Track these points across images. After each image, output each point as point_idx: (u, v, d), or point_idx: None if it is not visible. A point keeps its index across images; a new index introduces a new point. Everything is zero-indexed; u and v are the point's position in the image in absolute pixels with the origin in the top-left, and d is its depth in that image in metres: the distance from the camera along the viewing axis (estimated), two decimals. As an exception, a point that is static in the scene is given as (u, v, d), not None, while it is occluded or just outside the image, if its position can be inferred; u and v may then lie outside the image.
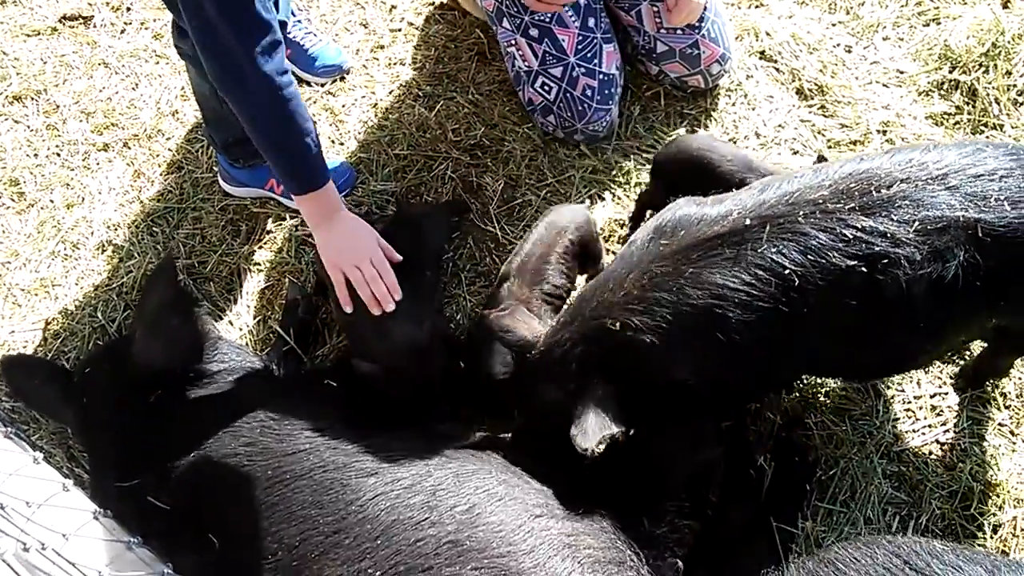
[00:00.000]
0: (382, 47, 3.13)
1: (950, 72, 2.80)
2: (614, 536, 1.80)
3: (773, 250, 1.68)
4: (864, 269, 1.64)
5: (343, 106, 2.97)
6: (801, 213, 1.69)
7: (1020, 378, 2.26)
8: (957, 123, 2.72)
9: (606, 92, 2.69)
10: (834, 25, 2.99)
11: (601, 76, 2.68)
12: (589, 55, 2.66)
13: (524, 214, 2.67)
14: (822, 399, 2.28)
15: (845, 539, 2.08)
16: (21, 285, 2.68)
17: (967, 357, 2.29)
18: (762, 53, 2.93)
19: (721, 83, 2.86)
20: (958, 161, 1.68)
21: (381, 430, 1.97)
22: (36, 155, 2.97)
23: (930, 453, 2.20)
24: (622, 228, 2.61)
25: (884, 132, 2.72)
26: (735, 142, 2.75)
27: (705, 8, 2.65)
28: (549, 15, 2.64)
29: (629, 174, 2.70)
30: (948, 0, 2.97)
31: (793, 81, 2.86)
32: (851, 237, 1.65)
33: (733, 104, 2.85)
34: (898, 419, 2.24)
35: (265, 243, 2.71)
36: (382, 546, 1.67)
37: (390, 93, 2.99)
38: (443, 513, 1.71)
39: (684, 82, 2.82)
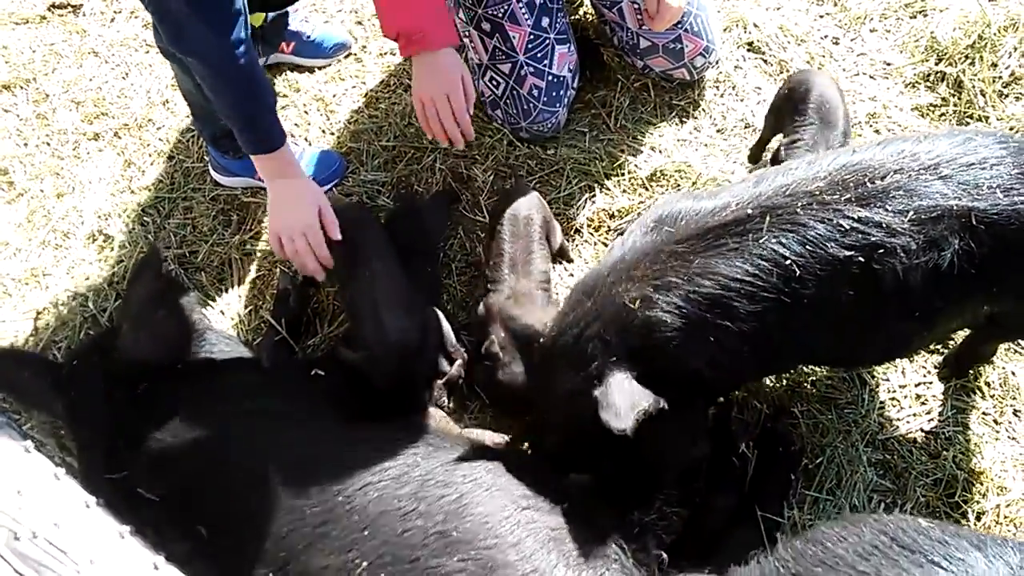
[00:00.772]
0: (373, 37, 3.13)
1: (936, 64, 2.81)
2: (599, 528, 1.81)
3: (774, 240, 1.69)
4: (861, 259, 1.67)
5: (334, 96, 2.98)
6: (799, 204, 1.71)
7: (1003, 367, 2.28)
8: (943, 115, 2.74)
9: (554, 94, 2.69)
10: (822, 17, 3.01)
11: (550, 77, 2.68)
12: (539, 55, 2.66)
13: (514, 205, 2.67)
14: (808, 388, 2.30)
15: (830, 526, 2.10)
16: (11, 275, 2.68)
17: (950, 346, 2.32)
18: (750, 44, 2.94)
19: (709, 75, 2.87)
20: (950, 151, 1.71)
21: (369, 421, 1.97)
22: (26, 144, 2.96)
23: (915, 441, 2.22)
24: (611, 219, 2.63)
25: (871, 123, 2.74)
26: (723, 133, 2.76)
27: (688, 1, 2.65)
28: (503, 10, 2.63)
29: (620, 166, 2.71)
30: (935, -8, 2.99)
31: (781, 72, 2.88)
32: (848, 227, 1.67)
33: (721, 95, 2.86)
34: (883, 408, 2.27)
35: (256, 233, 2.71)
36: (369, 537, 1.67)
37: (380, 83, 2.99)
38: (431, 504, 1.71)
39: (670, 75, 2.83)
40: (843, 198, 1.69)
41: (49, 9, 3.31)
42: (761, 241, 1.70)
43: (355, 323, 2.27)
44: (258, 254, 2.67)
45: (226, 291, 2.61)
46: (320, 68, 3.06)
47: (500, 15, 2.64)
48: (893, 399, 2.28)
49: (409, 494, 1.74)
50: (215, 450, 1.88)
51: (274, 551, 1.71)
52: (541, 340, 1.96)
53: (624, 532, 1.84)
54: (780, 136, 2.44)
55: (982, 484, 2.14)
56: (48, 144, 2.96)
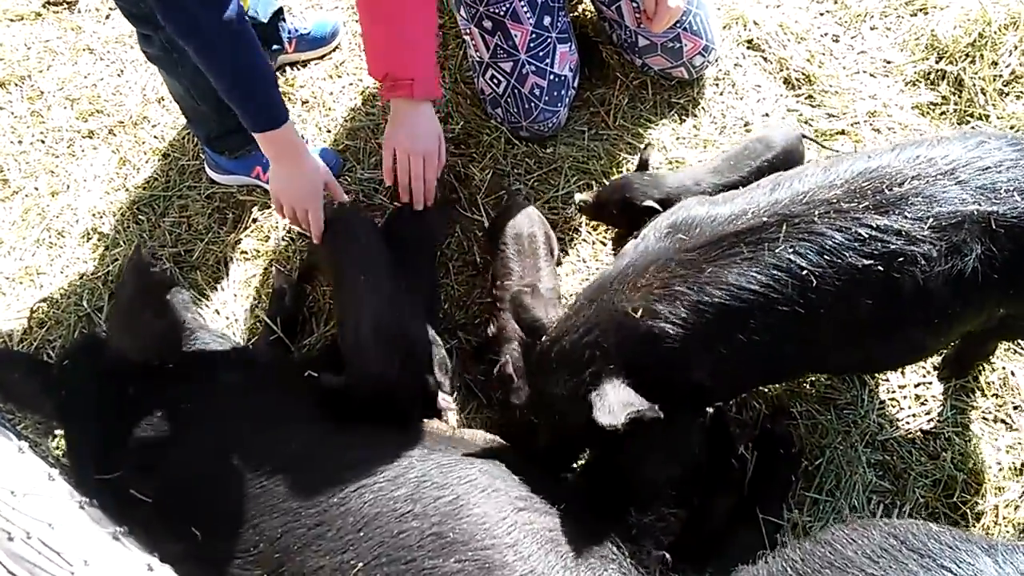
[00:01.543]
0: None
1: (937, 62, 2.80)
2: (597, 529, 1.80)
3: (790, 250, 1.68)
4: (880, 268, 1.65)
5: (331, 93, 2.96)
6: (816, 213, 1.69)
7: (1003, 367, 2.28)
8: (943, 113, 2.73)
9: (555, 93, 2.68)
10: (822, 15, 3.00)
11: (552, 77, 2.67)
12: (541, 54, 2.65)
13: (512, 203, 2.66)
14: (807, 388, 2.29)
15: (830, 529, 2.09)
16: (5, 273, 2.66)
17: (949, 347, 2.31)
18: (750, 42, 2.93)
19: (708, 72, 2.86)
20: (964, 155, 1.70)
21: (364, 422, 1.96)
22: (20, 142, 2.95)
23: (914, 442, 2.22)
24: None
25: (870, 122, 2.73)
26: (722, 131, 2.75)
27: (688, 0, 2.64)
28: (505, 8, 2.62)
29: (619, 165, 2.70)
30: (935, -10, 2.98)
31: (781, 70, 2.87)
32: (867, 236, 1.65)
33: (721, 93, 2.85)
34: (882, 408, 2.26)
35: (252, 231, 2.69)
36: (365, 538, 1.67)
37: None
38: (427, 505, 1.71)
39: (668, 74, 2.82)
40: (861, 206, 1.67)
41: (44, 6, 3.29)
42: (777, 251, 1.68)
43: (340, 335, 2.24)
44: (254, 253, 2.65)
45: (221, 290, 2.59)
46: (314, 64, 3.04)
47: (502, 13, 2.62)
48: (892, 400, 2.28)
49: (405, 496, 1.73)
50: (208, 451, 1.87)
51: (268, 552, 1.71)
52: (543, 340, 1.95)
53: (622, 533, 1.83)
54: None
55: (981, 485, 2.14)
56: (43, 142, 2.95)
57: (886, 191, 1.67)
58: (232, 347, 2.28)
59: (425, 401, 2.15)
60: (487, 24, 2.65)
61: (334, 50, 3.07)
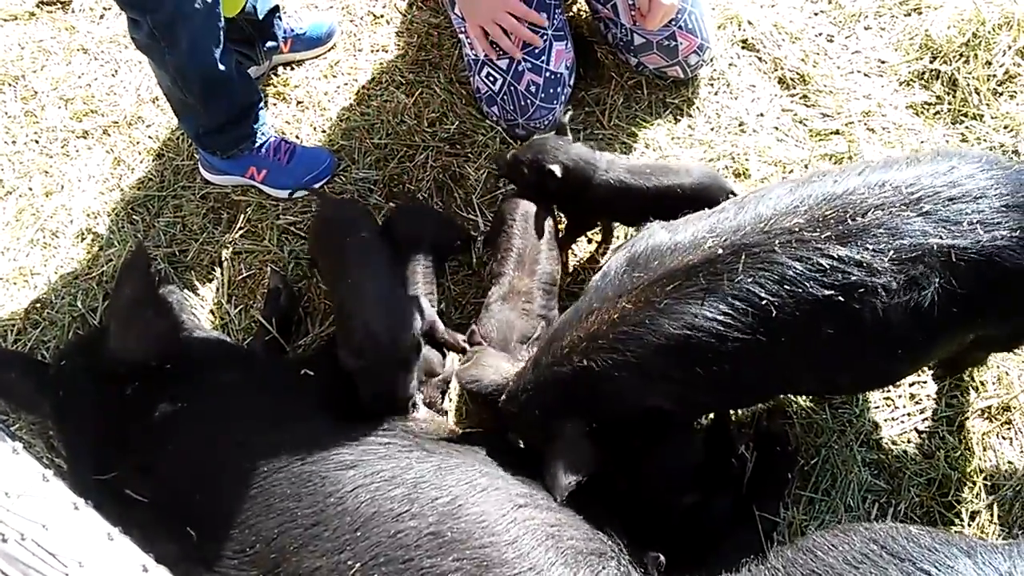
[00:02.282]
0: (365, 34, 3.11)
1: (931, 62, 2.81)
2: (596, 526, 1.80)
3: (749, 280, 1.66)
4: (841, 298, 1.63)
5: (325, 93, 2.96)
6: (777, 242, 1.67)
7: (997, 367, 2.28)
8: (937, 113, 2.73)
9: (551, 91, 2.68)
10: (816, 14, 3.00)
11: (548, 74, 2.67)
12: (537, 51, 2.65)
13: (507, 203, 2.66)
14: (803, 388, 2.30)
15: (826, 527, 2.10)
16: (0, 274, 2.66)
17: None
18: (744, 42, 2.93)
19: (703, 72, 2.87)
20: (931, 183, 1.67)
21: (360, 422, 1.96)
22: (14, 142, 2.94)
23: (909, 441, 2.22)
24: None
25: (865, 122, 2.73)
26: (717, 131, 2.76)
27: None
28: None
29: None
30: (929, -10, 2.98)
31: (775, 70, 2.87)
32: (828, 267, 1.63)
33: (715, 93, 2.85)
34: (877, 408, 2.26)
35: (247, 232, 2.69)
36: (362, 538, 1.66)
37: (372, 80, 2.98)
38: (424, 505, 1.71)
39: (663, 72, 2.82)
40: (823, 235, 1.65)
41: (38, 6, 3.28)
42: (736, 281, 1.66)
43: (345, 329, 2.25)
44: (248, 253, 2.65)
45: (216, 290, 2.59)
46: (309, 64, 3.04)
47: None
48: (887, 399, 2.28)
49: (402, 495, 1.73)
50: (204, 451, 1.86)
51: (265, 552, 1.70)
52: (499, 401, 1.97)
53: (621, 530, 1.84)
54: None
55: (975, 484, 2.14)
56: (37, 142, 2.94)
57: (848, 221, 1.65)
58: (227, 347, 2.28)
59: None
60: None
61: (329, 50, 3.07)
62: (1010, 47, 2.75)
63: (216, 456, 1.84)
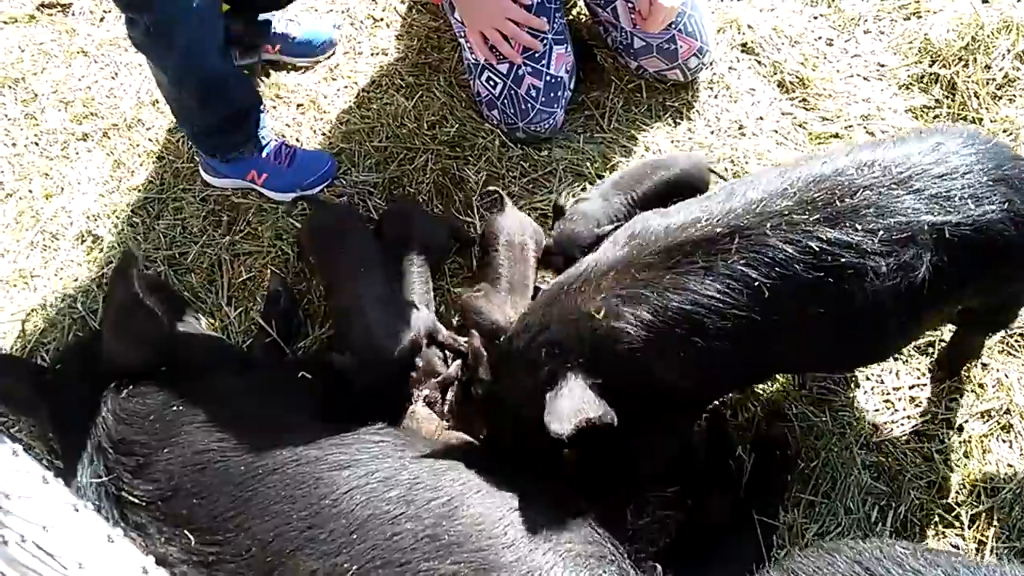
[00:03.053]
0: (365, 37, 3.12)
1: (930, 66, 2.82)
2: (595, 529, 1.80)
3: (742, 262, 1.67)
4: (831, 280, 1.64)
5: (325, 96, 2.96)
6: (768, 225, 1.67)
7: (997, 369, 2.28)
8: (936, 116, 2.74)
9: (552, 94, 2.68)
10: (816, 18, 3.01)
11: (548, 78, 2.67)
12: (537, 55, 2.65)
13: (507, 206, 2.66)
14: (802, 391, 2.29)
15: (826, 531, 2.10)
16: (-1, 276, 2.66)
17: (940, 349, 2.32)
18: (744, 46, 2.94)
19: (703, 76, 2.87)
20: (920, 161, 1.69)
21: (356, 424, 1.95)
22: (14, 144, 2.94)
23: (908, 444, 2.22)
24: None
25: (864, 125, 2.74)
26: (716, 134, 2.76)
27: (683, 2, 2.65)
28: None
29: (614, 167, 2.70)
30: (929, -6, 2.99)
31: (775, 74, 2.88)
32: (817, 250, 1.64)
33: (715, 96, 2.85)
34: (877, 410, 2.27)
35: (247, 234, 2.69)
36: (358, 540, 1.65)
37: (372, 84, 2.98)
38: (420, 507, 1.70)
39: (663, 76, 2.82)
40: (812, 218, 1.66)
41: (38, 8, 3.28)
42: (730, 262, 1.68)
43: (342, 330, 2.26)
44: (249, 256, 2.65)
45: (216, 293, 2.59)
46: (309, 67, 3.04)
47: None
48: (887, 401, 2.28)
49: (398, 497, 1.73)
50: (201, 454, 1.86)
51: (261, 555, 1.69)
52: (501, 339, 1.96)
53: (620, 533, 1.84)
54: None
55: (975, 486, 2.14)
56: (37, 144, 2.94)
57: (837, 202, 1.66)
58: (224, 349, 2.28)
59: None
60: None
61: (328, 58, 3.07)
62: (1009, 51, 2.76)
63: (212, 458, 1.84)
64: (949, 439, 2.21)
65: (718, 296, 1.67)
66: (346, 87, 2.99)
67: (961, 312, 1.95)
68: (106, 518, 1.82)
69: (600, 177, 2.68)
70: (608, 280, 1.78)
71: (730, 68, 2.90)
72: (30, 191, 2.83)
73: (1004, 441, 2.21)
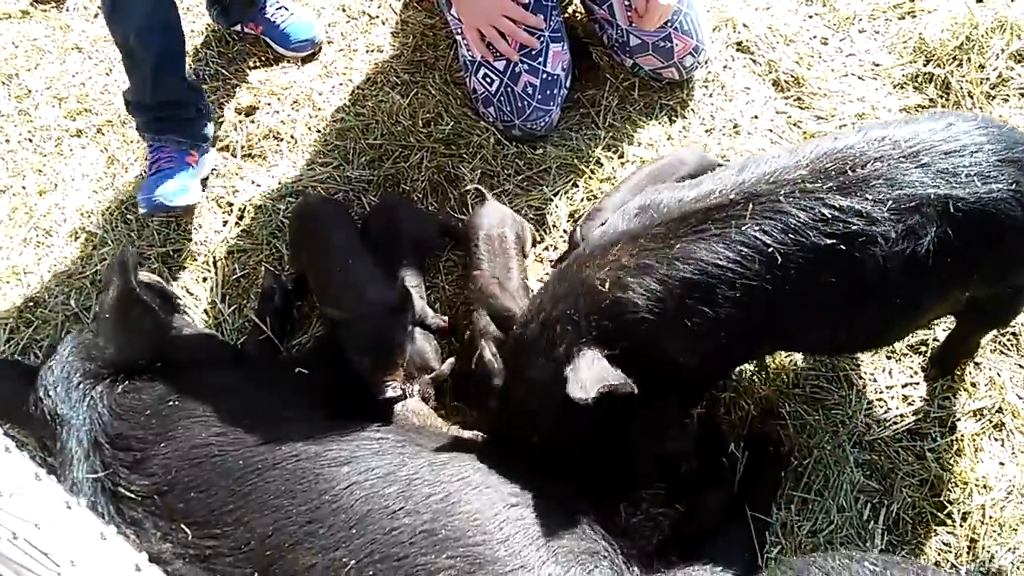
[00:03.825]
0: (360, 34, 3.11)
1: (924, 65, 2.82)
2: (588, 526, 1.81)
3: (756, 228, 1.70)
4: (842, 247, 1.67)
5: (320, 93, 2.95)
6: (782, 192, 1.71)
7: (989, 368, 2.29)
8: (931, 116, 2.74)
9: (548, 92, 2.68)
10: (811, 17, 3.01)
11: (544, 75, 2.67)
12: (534, 53, 2.65)
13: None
14: (796, 389, 2.30)
15: (818, 528, 2.11)
16: (-8, 272, 2.65)
17: (934, 347, 2.32)
18: (739, 44, 2.94)
19: (698, 74, 2.87)
20: (930, 138, 1.72)
21: (354, 419, 1.96)
22: (8, 141, 2.93)
23: (901, 442, 2.23)
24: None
25: (859, 124, 2.74)
26: (711, 133, 2.76)
27: (679, 0, 2.65)
28: None
29: (609, 166, 2.70)
30: (923, -7, 2.99)
31: (770, 73, 2.88)
32: (829, 216, 1.67)
33: (710, 95, 2.86)
34: (870, 409, 2.27)
35: (241, 231, 2.69)
36: (357, 535, 1.67)
37: (367, 80, 2.98)
38: (418, 502, 1.72)
39: (659, 74, 2.82)
40: (825, 186, 1.69)
41: (32, 4, 3.27)
42: (744, 228, 1.71)
43: (322, 285, 2.31)
44: (243, 252, 2.64)
45: (210, 290, 2.58)
46: (304, 63, 3.04)
47: None
48: (880, 400, 2.29)
49: (396, 492, 1.74)
50: (198, 448, 1.86)
51: (260, 550, 1.70)
52: (515, 327, 1.96)
53: (614, 529, 1.84)
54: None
55: (967, 484, 2.15)
56: (30, 141, 2.93)
57: (849, 172, 1.70)
58: (221, 345, 2.28)
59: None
60: None
61: (312, 54, 3.06)
62: (1003, 51, 2.76)
63: (210, 454, 1.84)
64: (941, 437, 2.22)
65: (730, 264, 1.70)
66: (341, 84, 2.99)
67: (968, 304, 1.95)
68: (102, 514, 1.82)
69: (595, 175, 2.68)
70: (616, 251, 1.81)
71: (725, 67, 2.90)
72: (23, 187, 2.82)
73: (996, 440, 2.22)
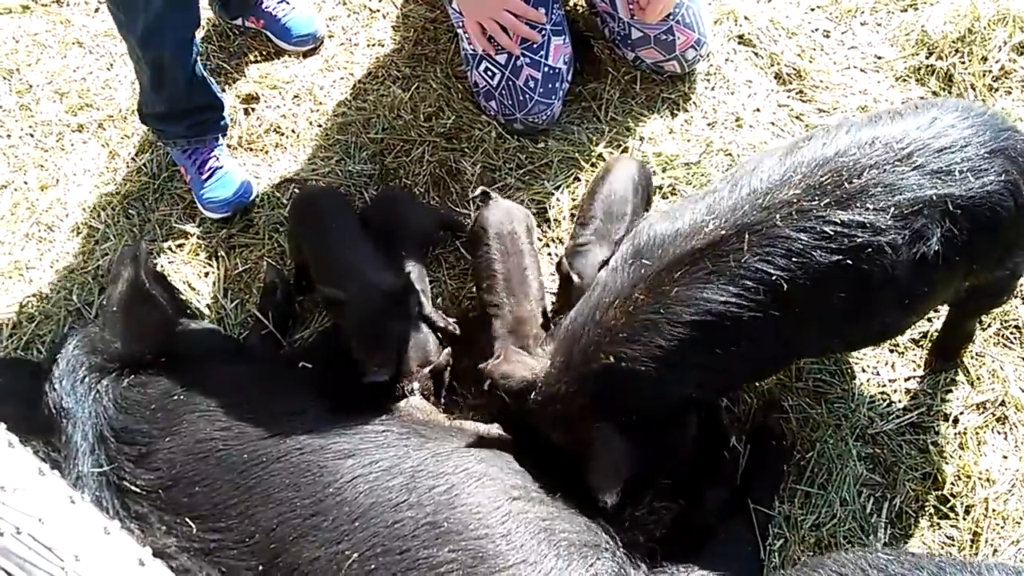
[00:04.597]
0: (361, 28, 3.11)
1: (927, 58, 2.81)
2: (590, 519, 1.81)
3: (756, 259, 1.68)
4: (849, 261, 1.66)
5: (321, 88, 2.95)
6: (778, 216, 1.68)
7: (992, 359, 2.29)
8: (933, 108, 2.73)
9: (550, 86, 2.68)
10: (813, 10, 3.00)
11: (546, 69, 2.66)
12: (536, 46, 2.64)
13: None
14: (799, 383, 2.30)
15: (821, 522, 2.11)
16: (-6, 268, 2.65)
17: (932, 338, 2.32)
18: (741, 37, 2.93)
19: (700, 67, 2.86)
20: (919, 136, 1.70)
21: (358, 412, 1.96)
22: (9, 136, 2.93)
23: (904, 435, 2.22)
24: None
25: (861, 117, 2.74)
26: (713, 126, 2.76)
27: None
28: None
29: (610, 157, 2.70)
30: (925, -14, 2.99)
31: (772, 66, 2.87)
32: (832, 233, 1.65)
33: (712, 88, 2.85)
34: (873, 402, 2.27)
35: (243, 226, 2.69)
36: (360, 528, 1.68)
37: (369, 75, 2.97)
38: (421, 495, 1.72)
39: (660, 67, 2.81)
40: (823, 203, 1.67)
41: (33, -1, 3.27)
42: (744, 260, 1.68)
43: (324, 269, 2.31)
44: (245, 247, 2.64)
45: (212, 284, 2.58)
46: (305, 56, 3.04)
47: None
48: (883, 393, 2.29)
49: (400, 485, 1.75)
50: (203, 442, 1.86)
51: (264, 542, 1.71)
52: (531, 400, 1.96)
53: (616, 522, 1.84)
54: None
55: (970, 478, 2.15)
56: (32, 135, 2.93)
57: (846, 184, 1.67)
58: (225, 339, 2.28)
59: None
60: None
61: (313, 49, 3.06)
62: (1006, 43, 2.75)
63: (214, 448, 1.84)
64: (944, 431, 2.22)
65: (733, 299, 1.68)
66: (342, 78, 2.98)
67: (968, 291, 1.96)
68: (106, 508, 1.82)
69: (595, 168, 2.67)
70: (613, 313, 1.79)
71: (727, 60, 2.89)
72: (25, 182, 2.82)
73: (999, 433, 2.22)
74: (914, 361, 2.32)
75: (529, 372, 1.99)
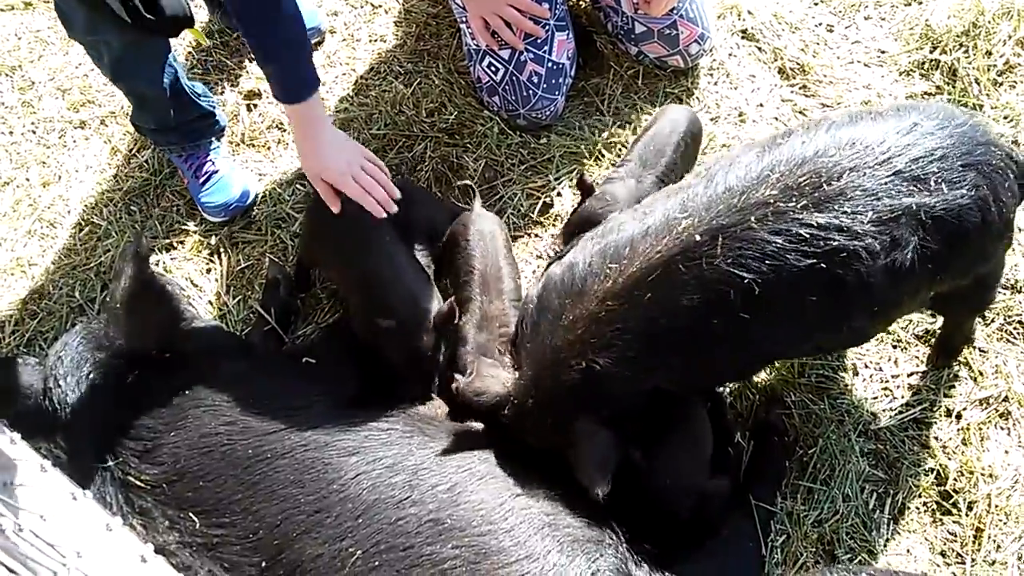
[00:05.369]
0: (363, 23, 3.10)
1: (931, 52, 2.80)
2: (593, 514, 1.81)
3: (729, 262, 1.65)
4: (824, 265, 1.64)
5: (323, 83, 2.94)
6: (753, 218, 1.65)
7: (996, 354, 2.28)
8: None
9: (553, 81, 2.67)
10: (816, 4, 2.99)
11: (550, 64, 2.66)
12: (540, 41, 2.64)
13: (506, 194, 2.66)
14: (801, 379, 2.30)
15: (824, 518, 2.11)
16: (-3, 264, 2.65)
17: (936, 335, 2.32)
18: (744, 32, 2.92)
19: (703, 62, 2.86)
20: (898, 141, 1.68)
21: (362, 409, 1.97)
22: (11, 132, 2.93)
23: (907, 431, 2.22)
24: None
25: (865, 112, 2.73)
26: (716, 121, 2.75)
27: None
28: None
29: (613, 154, 2.70)
30: (929, -20, 2.97)
31: (775, 60, 2.86)
32: (808, 236, 1.63)
33: (715, 83, 2.84)
34: (876, 398, 2.27)
35: (245, 222, 2.69)
36: (363, 525, 1.68)
37: (370, 70, 2.97)
38: (424, 492, 1.73)
39: (664, 62, 2.81)
40: (800, 204, 1.64)
41: (34, -5, 3.27)
42: (716, 263, 1.65)
43: (372, 294, 2.21)
44: (247, 243, 2.64)
45: (214, 281, 2.59)
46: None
47: None
48: (886, 389, 2.28)
49: (403, 482, 1.76)
50: (208, 437, 1.87)
51: (268, 539, 1.72)
52: (506, 410, 1.94)
53: (618, 518, 1.84)
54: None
55: (972, 474, 2.14)
56: (34, 132, 2.93)
57: (824, 187, 1.64)
58: (228, 336, 2.28)
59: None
60: None
61: (315, 44, 3.03)
62: (1010, 37, 2.74)
63: (218, 443, 1.85)
64: (947, 427, 2.21)
65: (705, 305, 1.67)
66: (344, 74, 2.98)
67: (934, 299, 1.95)
68: (110, 504, 1.83)
69: (599, 164, 2.67)
70: (583, 320, 1.77)
71: (730, 54, 2.89)
72: (27, 179, 2.82)
73: (1002, 428, 2.21)
74: (917, 357, 2.31)
75: (502, 387, 1.96)
